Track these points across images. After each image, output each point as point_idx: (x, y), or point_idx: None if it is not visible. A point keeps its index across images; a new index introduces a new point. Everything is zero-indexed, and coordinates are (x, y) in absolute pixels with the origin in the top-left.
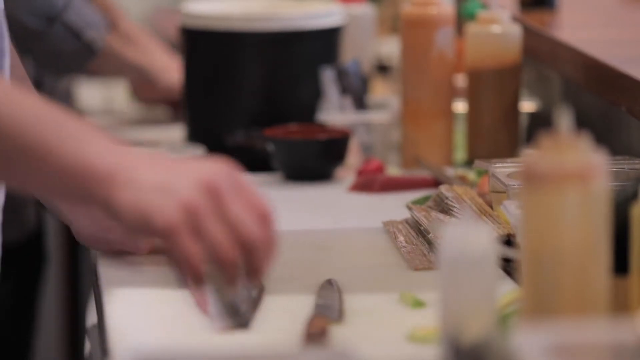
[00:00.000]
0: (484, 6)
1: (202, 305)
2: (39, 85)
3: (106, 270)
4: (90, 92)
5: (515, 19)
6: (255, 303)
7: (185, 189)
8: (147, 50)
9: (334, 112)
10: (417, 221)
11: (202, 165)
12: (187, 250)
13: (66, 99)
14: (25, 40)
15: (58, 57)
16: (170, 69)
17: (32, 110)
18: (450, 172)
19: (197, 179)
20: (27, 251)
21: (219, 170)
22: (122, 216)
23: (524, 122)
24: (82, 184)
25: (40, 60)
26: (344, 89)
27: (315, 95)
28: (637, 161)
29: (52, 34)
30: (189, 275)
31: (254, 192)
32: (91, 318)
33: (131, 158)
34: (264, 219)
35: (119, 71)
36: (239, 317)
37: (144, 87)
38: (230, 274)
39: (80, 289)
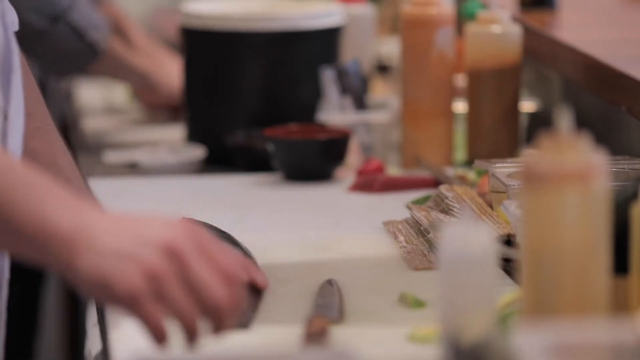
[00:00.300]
0: (484, 6)
1: None
2: (43, 86)
3: None
4: (90, 92)
5: (515, 19)
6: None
7: (147, 254)
8: (155, 59)
9: (334, 112)
10: (417, 221)
11: (165, 227)
12: (150, 317)
13: (66, 100)
14: (29, 39)
15: (61, 56)
16: (174, 77)
17: None
18: (450, 172)
19: (160, 243)
20: None
21: (182, 231)
22: (83, 282)
23: (524, 122)
24: (43, 246)
25: (43, 60)
26: (344, 89)
27: (315, 95)
28: (637, 161)
29: (56, 33)
30: (152, 337)
31: (219, 251)
32: (91, 318)
33: (93, 219)
34: (229, 279)
35: (121, 75)
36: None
37: (146, 92)
38: (191, 336)
39: None
